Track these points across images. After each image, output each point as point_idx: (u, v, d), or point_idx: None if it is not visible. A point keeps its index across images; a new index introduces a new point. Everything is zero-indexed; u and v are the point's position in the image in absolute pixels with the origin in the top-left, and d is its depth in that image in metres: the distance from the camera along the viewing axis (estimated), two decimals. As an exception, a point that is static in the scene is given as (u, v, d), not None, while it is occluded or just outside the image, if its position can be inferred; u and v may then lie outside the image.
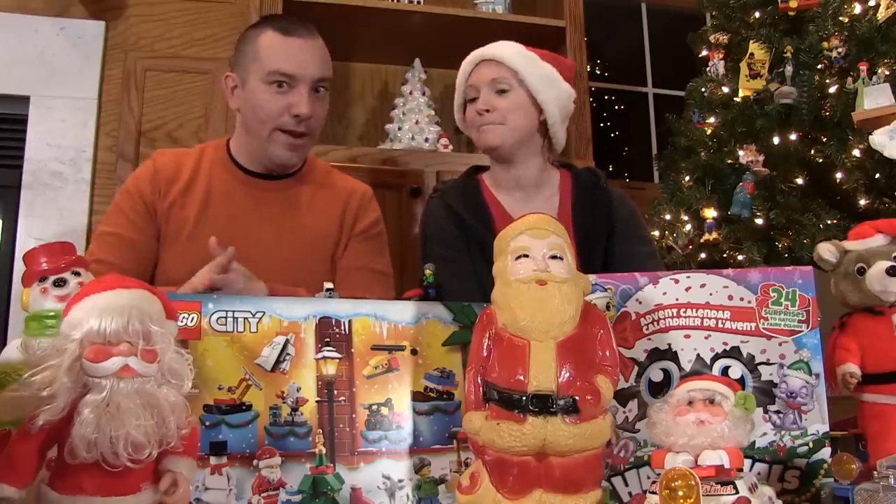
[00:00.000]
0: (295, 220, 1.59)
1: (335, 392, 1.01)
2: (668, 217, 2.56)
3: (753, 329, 1.04)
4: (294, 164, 1.61)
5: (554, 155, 1.76)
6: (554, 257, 0.85)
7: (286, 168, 1.61)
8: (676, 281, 1.07)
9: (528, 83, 1.61)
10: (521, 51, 1.64)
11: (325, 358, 1.02)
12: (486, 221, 1.62)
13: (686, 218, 2.52)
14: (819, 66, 2.37)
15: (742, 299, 1.05)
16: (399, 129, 2.74)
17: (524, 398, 0.79)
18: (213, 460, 0.94)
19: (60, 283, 0.93)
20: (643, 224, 1.78)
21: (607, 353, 0.85)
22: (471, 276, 1.53)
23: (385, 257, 1.72)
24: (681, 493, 0.74)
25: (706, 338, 1.05)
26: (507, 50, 1.63)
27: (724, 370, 1.04)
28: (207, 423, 0.95)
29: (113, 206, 1.58)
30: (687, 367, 1.05)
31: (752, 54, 2.44)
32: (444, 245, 1.62)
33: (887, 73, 2.17)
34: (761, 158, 2.35)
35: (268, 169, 1.60)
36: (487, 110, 1.60)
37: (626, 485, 1.03)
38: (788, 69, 2.36)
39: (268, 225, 1.56)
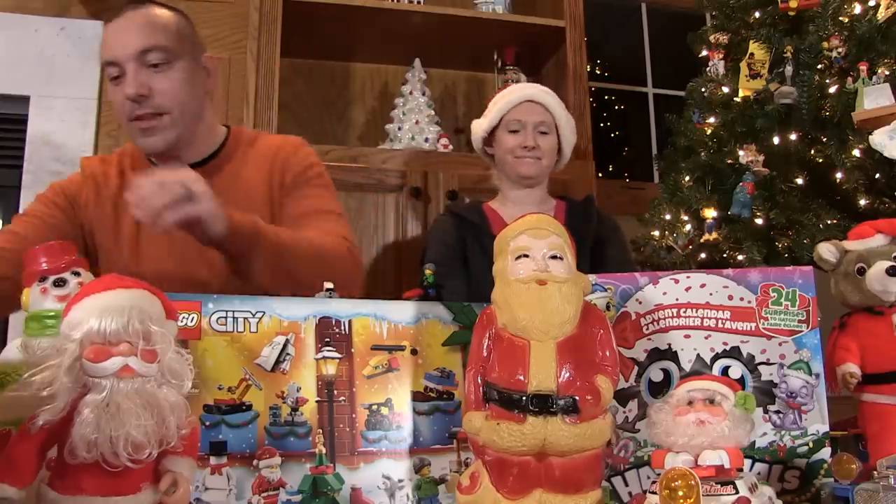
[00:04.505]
0: (227, 199, 1.39)
1: (335, 392, 1.01)
2: (668, 217, 2.55)
3: (753, 329, 1.04)
4: (161, 149, 1.47)
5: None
6: (554, 257, 0.85)
7: (166, 156, 1.49)
8: (676, 281, 1.07)
9: (561, 131, 1.97)
10: (558, 100, 1.98)
11: (325, 358, 1.02)
12: (486, 225, 1.85)
13: (686, 218, 2.52)
14: (819, 66, 2.36)
15: (742, 299, 1.05)
16: (399, 129, 2.73)
17: (524, 398, 0.79)
18: (213, 460, 0.94)
19: (60, 283, 0.93)
20: (626, 240, 2.10)
21: (607, 353, 0.85)
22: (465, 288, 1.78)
23: (332, 198, 1.59)
24: (681, 493, 0.74)
25: (706, 338, 1.05)
26: (550, 98, 1.97)
27: (724, 370, 1.04)
28: (207, 423, 0.95)
29: (33, 199, 1.53)
30: (687, 367, 1.05)
31: (752, 54, 2.43)
32: (441, 254, 1.82)
33: (887, 73, 2.17)
34: (761, 158, 2.34)
35: (180, 159, 1.49)
36: (535, 147, 1.93)
37: (626, 485, 1.03)
38: (788, 69, 2.36)
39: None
